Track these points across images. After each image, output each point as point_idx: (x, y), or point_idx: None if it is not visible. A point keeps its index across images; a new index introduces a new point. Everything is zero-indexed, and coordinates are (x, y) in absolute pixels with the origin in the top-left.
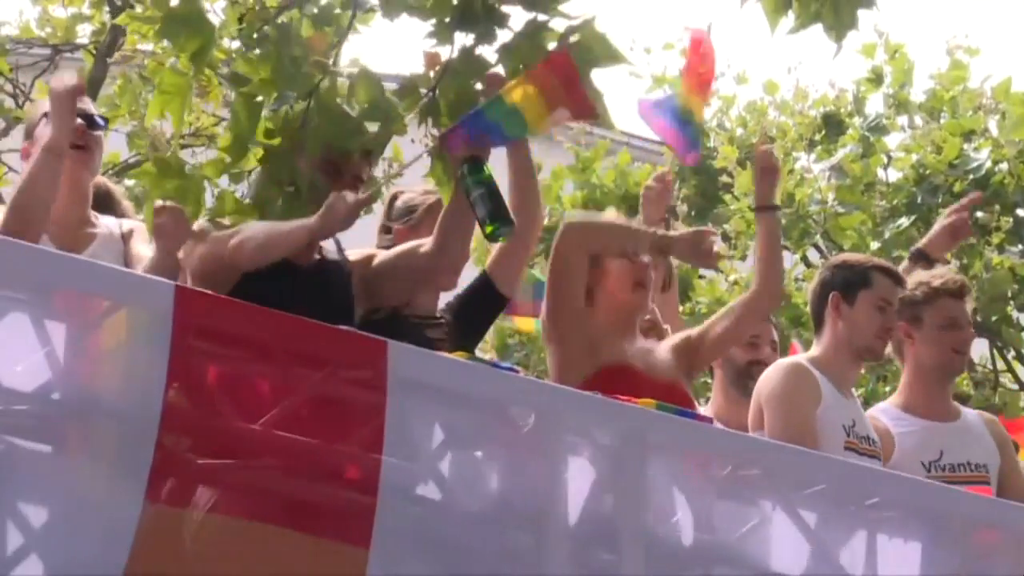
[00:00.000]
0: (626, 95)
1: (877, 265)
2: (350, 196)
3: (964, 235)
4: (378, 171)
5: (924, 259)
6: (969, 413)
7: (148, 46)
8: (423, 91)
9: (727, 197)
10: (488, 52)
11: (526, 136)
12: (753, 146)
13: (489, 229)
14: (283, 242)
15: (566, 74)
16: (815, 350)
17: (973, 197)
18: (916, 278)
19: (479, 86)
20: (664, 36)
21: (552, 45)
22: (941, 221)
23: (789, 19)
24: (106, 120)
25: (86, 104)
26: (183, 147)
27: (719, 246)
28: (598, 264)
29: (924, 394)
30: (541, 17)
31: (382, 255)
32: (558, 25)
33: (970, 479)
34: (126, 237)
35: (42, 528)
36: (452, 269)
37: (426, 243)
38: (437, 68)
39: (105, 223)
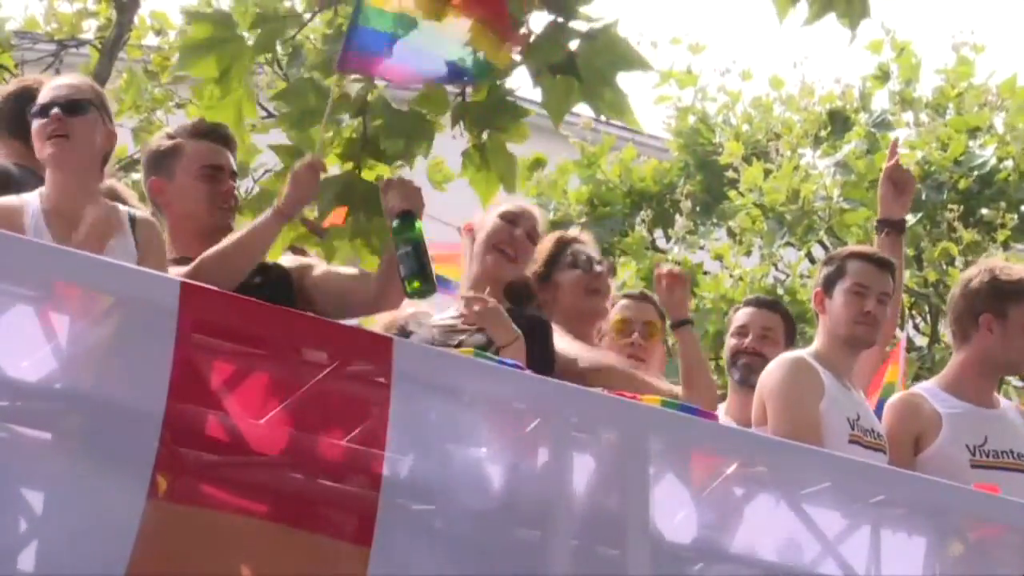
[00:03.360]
0: (633, 91)
1: (854, 252)
2: (303, 162)
3: (905, 179)
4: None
5: (889, 225)
6: (1005, 403)
7: (152, 41)
8: (452, 92)
9: (732, 193)
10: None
11: (414, 31)
12: (759, 142)
13: (409, 288)
14: (255, 242)
15: None
16: (814, 344)
17: (894, 141)
18: (1009, 270)
19: (507, 84)
20: (671, 31)
21: (574, 44)
22: (881, 181)
23: (801, 9)
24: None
25: (62, 91)
26: None
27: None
28: (548, 278)
29: (975, 382)
30: (562, 19)
31: (320, 269)
32: (579, 27)
33: (1012, 466)
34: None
35: (45, 523)
36: (390, 308)
37: (360, 275)
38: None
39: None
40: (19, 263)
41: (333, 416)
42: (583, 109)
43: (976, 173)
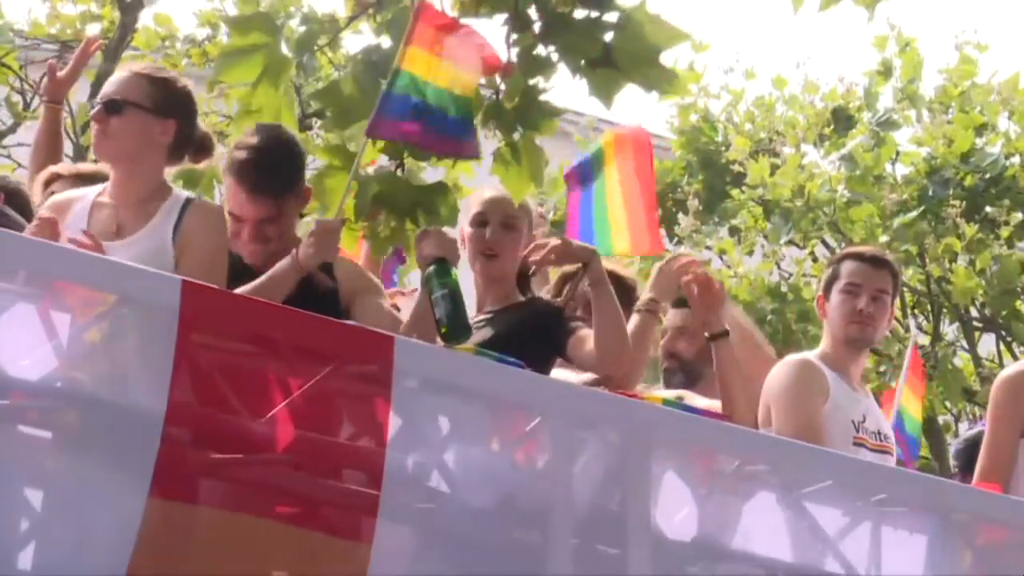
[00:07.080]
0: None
1: (847, 253)
2: (325, 223)
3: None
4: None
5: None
6: None
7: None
8: (486, 94)
9: (735, 192)
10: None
11: (451, 104)
12: (762, 140)
13: (444, 331)
14: (271, 293)
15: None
16: (820, 347)
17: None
18: None
19: (542, 84)
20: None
21: (608, 36)
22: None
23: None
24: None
25: (108, 88)
26: None
27: None
28: None
29: None
30: (595, 13)
31: (367, 304)
32: (612, 18)
33: None
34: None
35: (46, 522)
36: None
37: (393, 322)
38: (499, 71)
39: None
40: (20, 262)
41: (334, 414)
42: (585, 107)
43: (988, 175)
